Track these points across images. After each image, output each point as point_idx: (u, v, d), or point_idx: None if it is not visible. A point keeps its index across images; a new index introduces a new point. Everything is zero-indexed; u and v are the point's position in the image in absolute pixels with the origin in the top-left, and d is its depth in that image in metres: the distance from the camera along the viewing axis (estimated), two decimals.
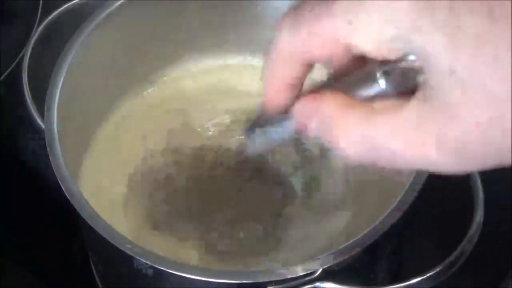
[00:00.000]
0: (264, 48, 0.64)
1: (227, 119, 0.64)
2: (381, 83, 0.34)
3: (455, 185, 0.54)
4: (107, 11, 0.59)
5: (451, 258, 0.49)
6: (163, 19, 0.63)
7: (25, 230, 0.65)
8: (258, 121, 0.42)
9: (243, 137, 0.45)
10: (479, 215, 0.51)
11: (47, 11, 0.62)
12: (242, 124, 0.62)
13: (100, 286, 0.61)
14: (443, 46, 0.30)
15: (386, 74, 0.33)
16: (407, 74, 0.33)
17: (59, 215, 0.58)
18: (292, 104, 0.38)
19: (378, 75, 0.34)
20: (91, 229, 0.49)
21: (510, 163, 0.31)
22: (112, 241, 0.48)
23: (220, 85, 0.66)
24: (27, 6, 0.65)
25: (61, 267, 0.64)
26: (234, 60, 0.68)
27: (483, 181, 0.52)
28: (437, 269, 0.49)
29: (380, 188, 0.58)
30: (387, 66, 0.33)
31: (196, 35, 0.65)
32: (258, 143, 0.43)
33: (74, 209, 0.50)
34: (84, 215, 0.49)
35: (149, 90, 0.66)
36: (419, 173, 0.51)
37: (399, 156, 0.33)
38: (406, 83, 0.33)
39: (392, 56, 0.32)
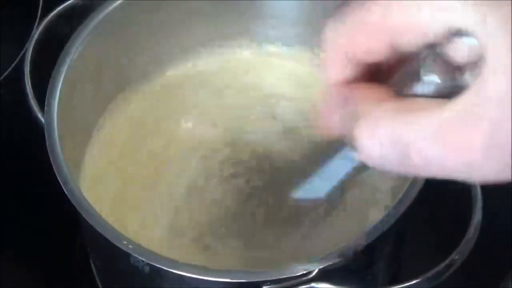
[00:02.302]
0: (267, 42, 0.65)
1: (235, 117, 0.64)
2: (425, 79, 0.31)
3: (453, 186, 0.54)
4: (107, 10, 0.59)
5: (450, 259, 0.49)
6: (162, 18, 0.63)
7: (25, 229, 0.65)
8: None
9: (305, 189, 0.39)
10: (477, 216, 0.51)
11: (47, 11, 0.62)
12: (248, 122, 0.62)
13: (99, 283, 0.61)
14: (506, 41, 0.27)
15: (429, 71, 0.31)
16: (452, 71, 0.30)
17: (60, 214, 0.58)
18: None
19: (421, 72, 0.31)
20: (89, 226, 0.49)
21: None
22: (108, 237, 0.48)
23: (223, 83, 0.66)
24: (27, 6, 0.65)
25: (61, 267, 0.64)
26: (236, 56, 0.67)
27: None
28: (436, 271, 0.49)
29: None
30: (432, 64, 0.31)
31: (196, 33, 0.65)
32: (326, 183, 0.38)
33: (74, 207, 0.50)
34: (81, 210, 0.49)
35: (149, 89, 0.66)
36: None
37: (436, 164, 0.29)
38: (450, 81, 0.30)
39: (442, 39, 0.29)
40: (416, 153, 0.29)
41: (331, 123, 0.34)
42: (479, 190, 0.52)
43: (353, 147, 0.32)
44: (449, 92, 0.30)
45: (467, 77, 0.30)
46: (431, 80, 0.31)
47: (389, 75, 0.33)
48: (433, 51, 0.31)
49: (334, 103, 0.33)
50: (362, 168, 0.35)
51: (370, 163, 0.31)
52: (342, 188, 0.38)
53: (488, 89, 0.27)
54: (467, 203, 0.51)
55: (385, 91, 0.32)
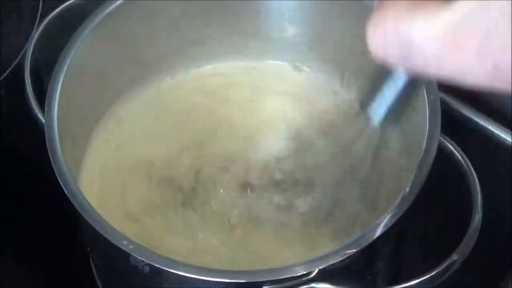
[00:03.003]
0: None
1: (234, 119, 0.64)
2: None
3: (453, 186, 0.54)
4: (107, 10, 0.59)
5: (450, 259, 0.49)
6: (163, 18, 0.63)
7: (25, 229, 0.65)
8: (373, 86, 0.40)
9: (363, 111, 0.41)
10: (477, 217, 0.51)
11: (47, 11, 0.62)
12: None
13: (99, 283, 0.61)
14: None
15: None
16: None
17: (60, 214, 0.58)
18: None
19: None
20: (89, 226, 0.49)
21: None
22: (108, 237, 0.48)
23: (223, 86, 0.66)
24: (27, 6, 0.65)
25: (61, 267, 0.64)
26: (240, 63, 0.67)
27: (481, 181, 0.52)
28: (436, 271, 0.49)
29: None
30: None
31: (198, 36, 0.65)
32: (382, 106, 0.40)
33: (74, 207, 0.50)
34: (81, 210, 0.49)
35: (150, 89, 0.66)
36: (418, 173, 0.50)
37: (434, 63, 0.31)
38: None
39: None
40: (417, 51, 0.32)
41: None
42: (479, 190, 0.52)
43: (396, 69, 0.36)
44: None
45: None
46: None
47: None
48: None
49: None
50: (409, 88, 0.38)
51: (375, 55, 0.33)
52: (397, 112, 0.40)
53: None
54: (467, 203, 0.52)
55: None
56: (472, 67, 0.30)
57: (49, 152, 0.52)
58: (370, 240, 0.47)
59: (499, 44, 0.29)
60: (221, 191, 0.59)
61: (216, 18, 0.64)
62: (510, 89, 0.30)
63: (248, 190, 0.59)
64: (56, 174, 0.51)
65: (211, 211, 0.58)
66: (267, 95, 0.65)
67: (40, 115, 0.55)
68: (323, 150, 0.60)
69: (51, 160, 0.52)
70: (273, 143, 0.62)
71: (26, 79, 0.57)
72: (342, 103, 0.64)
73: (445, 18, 0.31)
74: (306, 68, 0.66)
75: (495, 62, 0.30)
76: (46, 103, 0.55)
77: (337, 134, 0.59)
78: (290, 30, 0.65)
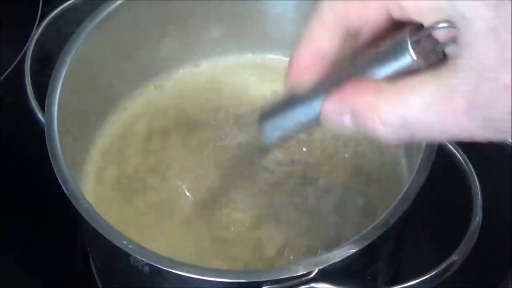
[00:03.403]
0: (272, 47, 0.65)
1: (235, 116, 0.64)
2: (411, 53, 0.34)
3: (453, 186, 0.54)
4: (107, 10, 0.59)
5: (450, 259, 0.49)
6: (163, 18, 0.63)
7: (25, 229, 0.65)
8: (276, 107, 0.42)
9: (257, 127, 0.44)
10: (477, 217, 0.51)
11: (47, 11, 0.62)
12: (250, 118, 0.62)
13: (99, 283, 0.61)
14: (486, 6, 0.31)
15: (416, 43, 0.34)
16: (436, 44, 0.34)
17: (60, 214, 0.58)
18: (316, 82, 0.38)
19: (409, 43, 0.34)
20: (89, 226, 0.49)
21: None
22: (108, 237, 0.48)
23: (225, 85, 0.66)
24: (27, 6, 0.65)
25: (61, 267, 0.64)
26: (240, 59, 0.67)
27: (481, 181, 0.52)
28: (436, 271, 0.49)
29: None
30: (418, 35, 0.34)
31: (198, 34, 0.65)
32: (277, 130, 0.42)
33: (74, 207, 0.50)
34: (81, 210, 0.49)
35: (151, 89, 0.66)
36: (418, 173, 0.50)
37: (434, 129, 0.34)
38: (433, 54, 0.34)
39: (429, 19, 0.33)
40: (417, 124, 0.35)
41: (304, 73, 0.39)
42: (479, 190, 0.52)
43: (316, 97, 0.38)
44: (432, 63, 0.35)
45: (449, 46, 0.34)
46: (415, 52, 0.34)
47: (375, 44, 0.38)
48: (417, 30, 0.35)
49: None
50: (315, 124, 0.40)
51: (387, 141, 0.37)
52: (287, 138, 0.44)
53: (469, 51, 0.32)
54: (467, 203, 0.52)
55: (373, 83, 0.36)
56: (466, 126, 0.34)
57: (49, 152, 0.52)
58: (370, 240, 0.47)
59: (484, 101, 0.32)
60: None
61: (216, 16, 0.64)
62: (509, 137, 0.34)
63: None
64: (56, 174, 0.51)
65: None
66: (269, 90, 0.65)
67: (40, 115, 0.55)
68: (329, 146, 0.61)
69: (51, 160, 0.52)
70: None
71: (26, 79, 0.57)
72: None
73: (435, 86, 0.34)
74: None
75: (484, 120, 0.33)
76: (46, 103, 0.55)
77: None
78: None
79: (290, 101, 0.41)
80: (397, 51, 0.35)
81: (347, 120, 0.37)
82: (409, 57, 0.35)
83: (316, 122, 0.40)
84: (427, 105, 0.34)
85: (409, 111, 0.34)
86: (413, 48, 0.34)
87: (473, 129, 0.34)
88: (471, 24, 0.32)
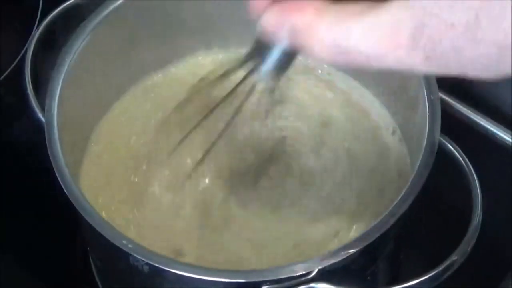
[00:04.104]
0: None
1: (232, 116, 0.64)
2: None
3: (453, 186, 0.54)
4: (107, 10, 0.59)
5: (450, 260, 0.49)
6: (162, 16, 0.63)
7: (25, 229, 0.65)
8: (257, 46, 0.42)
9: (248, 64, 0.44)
10: (477, 217, 0.51)
11: (47, 11, 0.62)
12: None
13: (99, 283, 0.61)
14: None
15: None
16: None
17: (60, 214, 0.58)
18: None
19: None
20: (89, 226, 0.49)
21: (473, 75, 0.33)
22: (108, 237, 0.48)
23: (224, 78, 0.66)
24: (27, 6, 0.65)
25: (61, 267, 0.64)
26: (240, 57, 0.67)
27: (481, 181, 0.52)
28: (436, 271, 0.49)
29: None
30: None
31: (196, 32, 0.65)
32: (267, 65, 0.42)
33: (74, 207, 0.50)
34: (81, 210, 0.49)
35: (149, 88, 0.66)
36: (418, 173, 0.50)
37: (371, 58, 0.35)
38: None
39: None
40: (354, 51, 0.35)
41: (276, 35, 0.38)
42: (479, 191, 0.52)
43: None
44: None
45: None
46: None
47: None
48: None
49: (273, 21, 0.38)
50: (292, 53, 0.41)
51: (321, 61, 0.39)
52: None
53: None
54: (467, 203, 0.52)
55: (320, 1, 0.37)
56: (406, 58, 0.34)
57: (49, 152, 0.52)
58: (370, 240, 0.47)
59: (426, 40, 0.33)
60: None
61: (215, 11, 0.64)
62: (450, 73, 0.34)
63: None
64: (56, 174, 0.51)
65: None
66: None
67: (40, 115, 0.55)
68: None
69: (51, 159, 0.52)
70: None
71: (26, 79, 0.57)
72: None
73: (377, 18, 0.34)
74: None
75: (426, 54, 0.33)
76: (46, 102, 0.55)
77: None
78: None
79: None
80: None
81: (283, 34, 0.37)
82: None
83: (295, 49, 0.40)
84: (367, 35, 0.34)
85: (348, 38, 0.35)
86: None
87: (412, 62, 0.34)
88: None
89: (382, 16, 0.34)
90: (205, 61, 0.67)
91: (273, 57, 0.41)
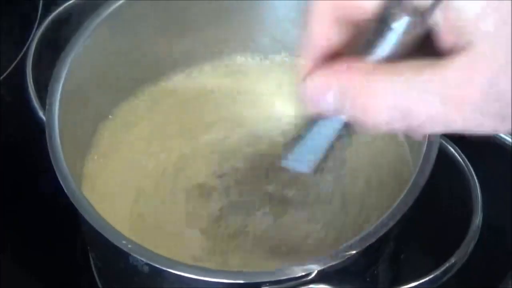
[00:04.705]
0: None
1: (234, 118, 0.64)
2: (393, 25, 0.31)
3: (453, 186, 0.54)
4: (108, 11, 0.59)
5: (450, 261, 0.49)
6: (165, 17, 0.63)
7: (25, 229, 0.65)
8: (298, 134, 0.38)
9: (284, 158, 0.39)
10: (477, 218, 0.51)
11: (47, 11, 0.62)
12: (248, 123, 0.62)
13: (99, 283, 0.61)
14: None
15: (397, 15, 0.31)
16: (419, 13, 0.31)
17: (60, 214, 0.58)
18: None
19: (390, 16, 0.31)
20: (89, 225, 0.49)
21: None
22: (108, 237, 0.48)
23: (224, 87, 0.66)
24: (27, 6, 0.65)
25: (61, 267, 0.64)
26: (241, 60, 0.67)
27: (481, 182, 0.52)
28: (436, 273, 0.49)
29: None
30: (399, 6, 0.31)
31: (200, 34, 0.65)
32: (308, 155, 0.38)
33: (74, 207, 0.50)
34: (81, 210, 0.49)
35: (151, 89, 0.66)
36: (418, 175, 0.50)
37: (441, 121, 0.31)
38: (419, 27, 0.31)
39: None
40: (421, 114, 0.31)
41: (321, 101, 0.34)
42: (479, 192, 0.52)
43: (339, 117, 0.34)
44: (416, 40, 0.31)
45: (435, 16, 0.31)
46: (400, 24, 0.31)
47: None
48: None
49: (318, 85, 0.34)
50: (346, 134, 0.36)
51: (377, 129, 0.32)
52: (324, 157, 0.38)
53: (482, 49, 0.29)
54: (467, 204, 0.52)
55: (364, 61, 0.33)
56: (476, 119, 0.30)
57: (49, 151, 0.52)
58: (369, 242, 0.47)
59: (501, 92, 0.29)
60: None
61: (219, 16, 0.64)
62: None
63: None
64: (57, 174, 0.51)
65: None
66: (272, 91, 0.65)
67: (41, 114, 0.55)
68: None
69: (51, 159, 0.52)
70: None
71: (27, 78, 0.58)
72: None
73: (442, 75, 0.30)
74: None
75: (499, 112, 0.30)
76: (47, 102, 0.55)
77: None
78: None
79: (309, 120, 0.37)
80: (381, 25, 0.32)
81: (330, 98, 0.33)
82: (392, 29, 0.31)
83: (345, 130, 0.36)
84: (432, 92, 0.30)
85: (413, 96, 0.31)
86: (396, 16, 0.31)
87: (481, 122, 0.30)
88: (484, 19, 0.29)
89: (445, 75, 0.30)
90: (208, 68, 0.67)
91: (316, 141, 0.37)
